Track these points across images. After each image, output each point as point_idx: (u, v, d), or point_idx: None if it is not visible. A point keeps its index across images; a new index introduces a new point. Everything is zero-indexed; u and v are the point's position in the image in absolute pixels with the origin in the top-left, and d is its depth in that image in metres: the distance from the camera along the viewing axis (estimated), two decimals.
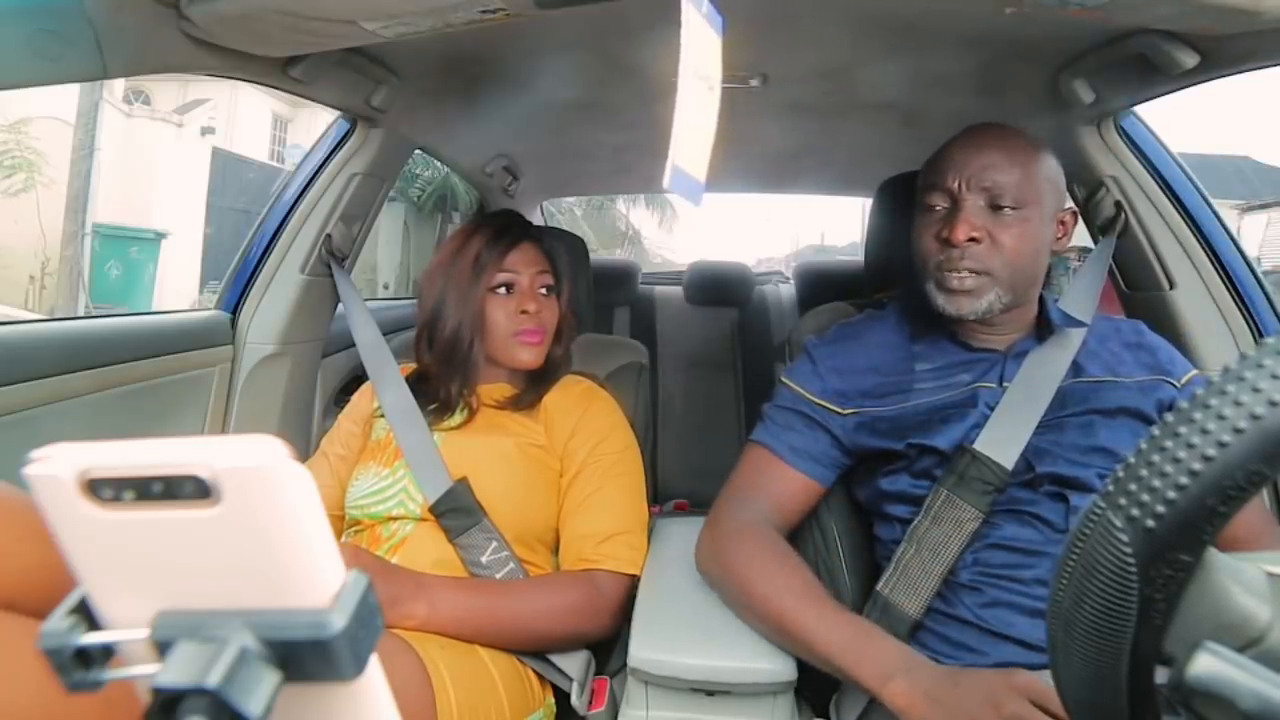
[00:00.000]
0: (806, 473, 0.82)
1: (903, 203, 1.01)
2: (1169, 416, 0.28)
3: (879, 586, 0.76)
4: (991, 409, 0.77)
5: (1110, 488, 0.29)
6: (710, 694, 0.74)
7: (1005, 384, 0.79)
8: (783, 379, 0.88)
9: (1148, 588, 0.28)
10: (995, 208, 0.76)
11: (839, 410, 0.82)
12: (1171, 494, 0.27)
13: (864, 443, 0.80)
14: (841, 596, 0.83)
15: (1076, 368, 0.79)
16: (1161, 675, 0.30)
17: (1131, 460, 0.29)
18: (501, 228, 0.95)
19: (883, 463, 0.80)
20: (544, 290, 0.96)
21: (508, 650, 0.78)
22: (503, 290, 0.93)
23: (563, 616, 0.80)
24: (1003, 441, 0.74)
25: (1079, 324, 0.81)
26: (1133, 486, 0.28)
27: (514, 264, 0.93)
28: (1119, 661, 0.29)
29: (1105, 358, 0.81)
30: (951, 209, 0.78)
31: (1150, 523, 0.27)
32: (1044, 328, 0.81)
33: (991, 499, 0.73)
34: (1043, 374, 0.78)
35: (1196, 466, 0.26)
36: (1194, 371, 0.82)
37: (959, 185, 0.77)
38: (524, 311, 0.92)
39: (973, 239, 0.75)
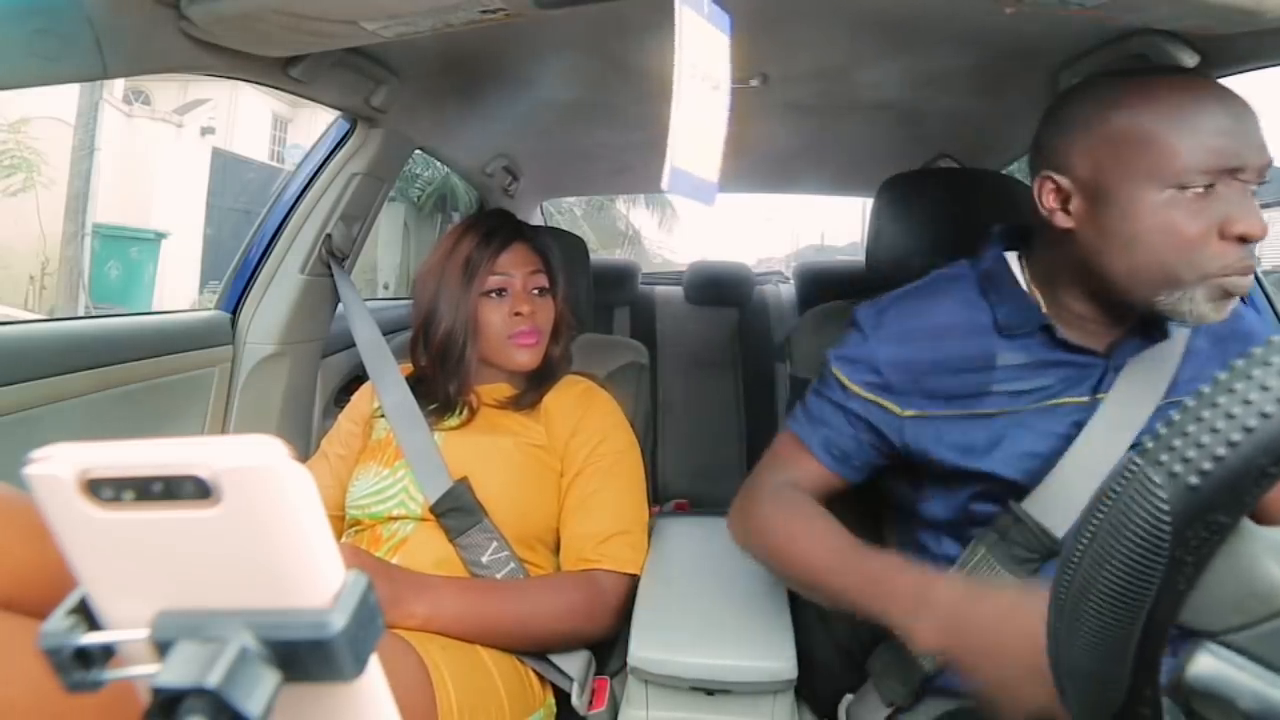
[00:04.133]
0: (836, 472, 0.74)
1: (906, 202, 1.01)
2: (1221, 374, 0.27)
3: None
4: (1079, 426, 0.64)
5: (1149, 445, 0.28)
6: (710, 693, 0.74)
7: (1100, 395, 0.65)
8: (831, 365, 0.75)
9: (1180, 549, 0.27)
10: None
11: (898, 411, 0.70)
12: (1221, 451, 0.26)
13: (926, 450, 0.70)
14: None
15: (1172, 384, 0.65)
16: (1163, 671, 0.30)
17: (1178, 417, 0.27)
18: (491, 229, 0.94)
19: (941, 478, 0.71)
20: (537, 291, 0.95)
21: (508, 650, 0.78)
22: (495, 294, 0.92)
23: (563, 616, 0.80)
24: (1081, 474, 0.63)
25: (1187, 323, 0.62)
26: (1177, 443, 0.27)
27: (505, 266, 0.92)
28: (1133, 627, 0.29)
29: (1194, 366, 0.67)
30: (1220, 192, 0.57)
31: (1194, 479, 0.26)
32: (1152, 324, 0.65)
33: (1034, 568, 0.65)
34: (1145, 387, 0.64)
35: (1252, 423, 0.25)
36: None
37: (1244, 161, 0.56)
38: (517, 314, 0.92)
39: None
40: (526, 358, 0.93)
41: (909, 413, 0.70)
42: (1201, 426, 0.26)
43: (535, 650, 0.81)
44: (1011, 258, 0.72)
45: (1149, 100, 0.58)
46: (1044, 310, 0.67)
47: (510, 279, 0.93)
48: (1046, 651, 0.33)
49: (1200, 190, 0.57)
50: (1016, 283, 0.70)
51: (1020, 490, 0.66)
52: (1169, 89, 0.58)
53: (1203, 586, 0.29)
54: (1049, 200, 0.64)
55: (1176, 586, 0.28)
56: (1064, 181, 0.63)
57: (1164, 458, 0.27)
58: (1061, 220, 0.64)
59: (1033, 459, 0.66)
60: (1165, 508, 0.27)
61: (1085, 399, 0.66)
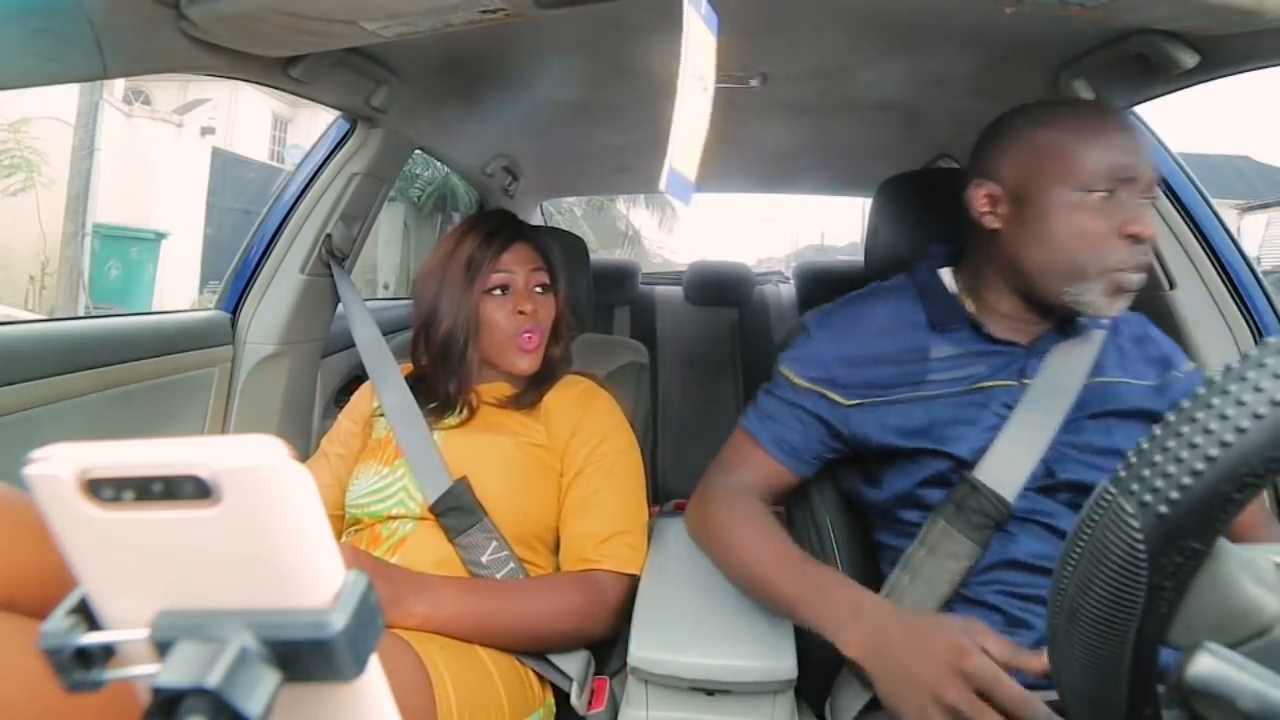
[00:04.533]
0: (787, 466, 0.80)
1: (904, 202, 1.01)
2: (1185, 402, 0.27)
3: None
4: (1010, 408, 0.72)
5: (1121, 473, 0.29)
6: (710, 693, 0.74)
7: (1026, 380, 0.73)
8: (780, 365, 0.82)
9: (1157, 575, 0.28)
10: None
11: (841, 401, 0.77)
12: (1187, 480, 0.26)
13: (869, 436, 0.76)
14: None
15: (1095, 367, 0.74)
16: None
17: (1145, 446, 0.28)
18: (494, 229, 0.94)
19: (888, 462, 0.76)
20: (539, 289, 0.96)
21: (508, 650, 0.78)
22: (498, 292, 0.93)
23: (563, 616, 0.80)
24: (1018, 450, 0.70)
25: (1101, 323, 0.75)
26: (1146, 472, 0.28)
27: (508, 264, 0.93)
28: (1123, 650, 0.29)
29: (1117, 356, 0.77)
30: (1121, 199, 0.68)
31: (1163, 509, 0.27)
32: (1068, 322, 0.76)
33: (988, 534, 0.70)
34: (1066, 371, 0.73)
35: (1213, 452, 0.26)
36: (1191, 365, 0.81)
37: (1137, 174, 0.68)
38: (520, 312, 0.92)
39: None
40: (527, 364, 0.93)
41: (852, 402, 0.77)
42: (1167, 456, 0.27)
43: (535, 650, 0.81)
44: (944, 272, 0.82)
45: (1064, 121, 0.71)
46: (971, 312, 0.77)
47: (513, 276, 0.93)
48: (1050, 672, 0.34)
49: (1104, 194, 0.68)
50: (948, 290, 0.80)
51: (964, 469, 0.72)
52: (1081, 114, 0.72)
53: (1185, 608, 0.29)
54: (982, 205, 0.75)
55: (1159, 610, 0.29)
56: (994, 189, 0.74)
57: (1135, 487, 0.28)
58: (990, 222, 0.75)
59: (971, 436, 0.72)
60: (1139, 536, 0.28)
61: (1014, 382, 0.74)
